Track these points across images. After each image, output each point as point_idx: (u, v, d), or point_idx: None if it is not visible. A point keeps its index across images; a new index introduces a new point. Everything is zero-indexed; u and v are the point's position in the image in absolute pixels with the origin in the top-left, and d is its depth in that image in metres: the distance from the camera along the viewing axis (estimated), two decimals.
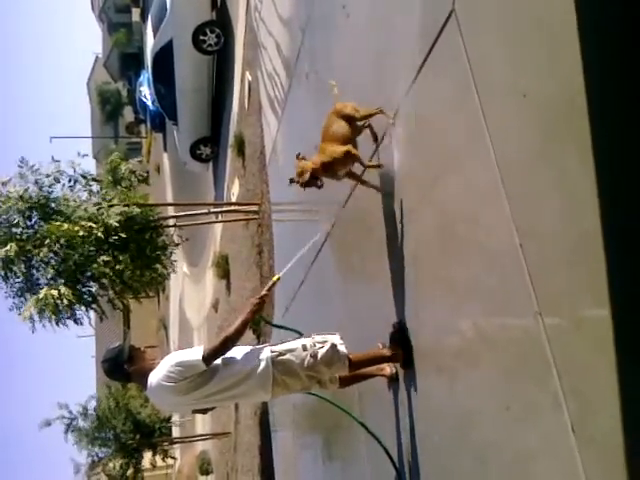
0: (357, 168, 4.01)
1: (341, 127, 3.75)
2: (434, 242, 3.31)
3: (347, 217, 4.77)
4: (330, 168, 3.74)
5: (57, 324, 6.81)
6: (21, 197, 6.78)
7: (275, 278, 3.75)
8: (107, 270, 6.78)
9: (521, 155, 2.44)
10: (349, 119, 3.76)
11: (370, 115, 3.83)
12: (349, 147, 3.72)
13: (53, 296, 6.47)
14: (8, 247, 6.49)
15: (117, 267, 6.86)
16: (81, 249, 6.54)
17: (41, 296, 6.50)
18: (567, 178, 2.17)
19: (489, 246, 2.73)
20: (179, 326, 21.93)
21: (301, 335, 4.04)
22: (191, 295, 18.81)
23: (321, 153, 3.77)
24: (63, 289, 6.54)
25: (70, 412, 14.79)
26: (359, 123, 3.82)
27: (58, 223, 6.52)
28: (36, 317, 6.64)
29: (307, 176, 3.67)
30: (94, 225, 6.62)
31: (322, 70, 5.34)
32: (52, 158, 7.19)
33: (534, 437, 2.45)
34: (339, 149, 3.70)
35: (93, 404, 15.39)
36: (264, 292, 3.59)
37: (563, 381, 2.21)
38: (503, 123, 2.55)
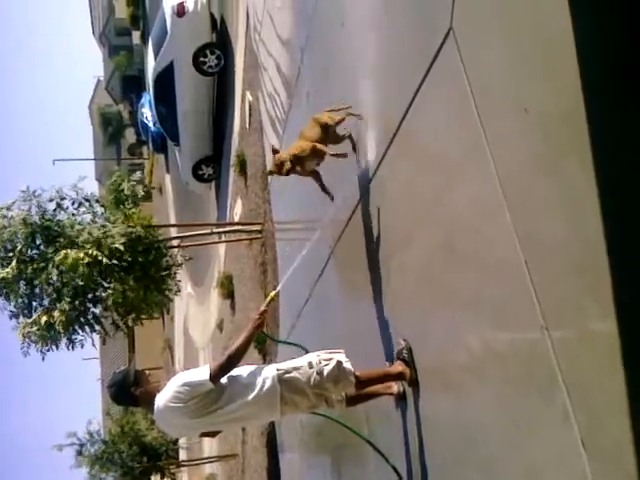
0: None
1: (315, 132, 4.19)
2: (437, 258, 3.31)
3: (349, 236, 4.78)
4: (300, 161, 4.15)
5: (47, 349, 6.85)
6: (24, 221, 6.80)
7: (272, 294, 3.86)
8: (114, 295, 6.79)
9: (523, 169, 2.45)
10: (325, 127, 4.19)
11: (342, 119, 4.26)
12: (316, 143, 4.14)
13: (42, 322, 6.50)
14: (8, 269, 6.52)
15: (126, 289, 6.88)
16: (85, 273, 6.54)
17: (30, 321, 6.55)
18: (569, 189, 2.17)
19: (492, 260, 2.73)
20: (184, 347, 21.86)
21: (306, 351, 4.06)
22: (196, 315, 18.78)
23: (292, 147, 4.21)
24: (57, 314, 6.55)
25: (79, 439, 14.71)
26: (335, 130, 4.24)
27: (64, 253, 6.50)
28: (26, 341, 6.68)
29: (288, 165, 4.07)
30: (99, 253, 6.62)
31: (322, 89, 5.39)
32: (54, 191, 7.24)
33: (543, 452, 2.43)
34: (307, 144, 4.13)
35: (96, 428, 15.28)
36: (263, 308, 3.61)
37: (571, 395, 2.20)
38: (504, 138, 2.56)
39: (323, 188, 4.41)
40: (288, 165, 4.06)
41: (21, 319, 6.94)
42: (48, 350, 6.91)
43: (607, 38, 2.00)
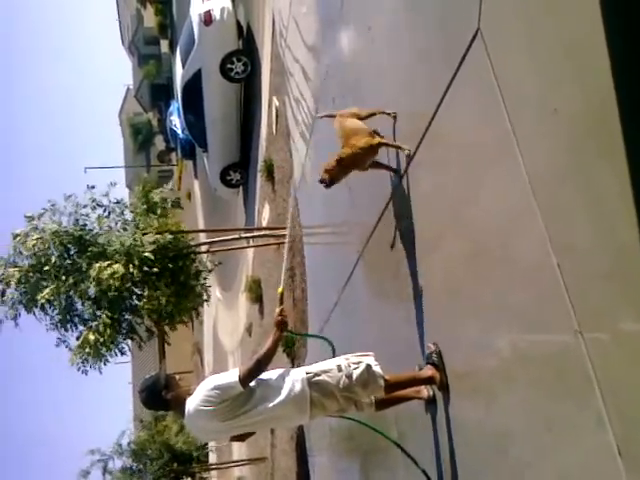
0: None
1: (353, 122, 3.97)
2: (467, 261, 3.28)
3: (378, 239, 4.76)
4: (357, 161, 3.89)
5: (104, 363, 7.03)
6: (56, 233, 6.92)
7: (280, 290, 3.86)
8: (148, 301, 6.91)
9: (554, 170, 2.42)
10: (355, 117, 4.02)
11: (372, 114, 4.10)
12: (374, 140, 3.86)
13: (92, 341, 6.64)
14: (48, 290, 6.66)
15: (159, 296, 6.99)
16: (118, 286, 6.64)
17: (80, 342, 6.69)
18: (602, 192, 2.14)
19: (524, 263, 2.70)
20: (213, 351, 22.05)
21: (332, 345, 4.07)
22: (225, 320, 18.91)
23: (347, 147, 3.87)
24: (102, 328, 6.68)
25: (103, 454, 14.78)
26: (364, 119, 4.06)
27: (98, 267, 6.62)
28: (81, 363, 6.86)
29: (333, 164, 3.79)
30: (131, 265, 6.73)
31: (348, 93, 5.39)
32: (87, 186, 7.40)
33: (577, 459, 2.38)
34: (369, 141, 3.84)
35: (126, 439, 15.41)
36: (278, 308, 3.63)
37: (607, 400, 2.15)
38: (534, 139, 2.53)
39: (387, 167, 4.17)
40: (333, 164, 3.81)
41: (58, 331, 7.10)
42: (105, 364, 7.07)
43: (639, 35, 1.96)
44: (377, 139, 3.92)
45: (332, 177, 3.85)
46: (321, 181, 3.88)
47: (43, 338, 7.31)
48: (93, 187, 7.41)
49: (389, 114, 4.08)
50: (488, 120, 2.87)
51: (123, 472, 14.63)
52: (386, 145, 4.01)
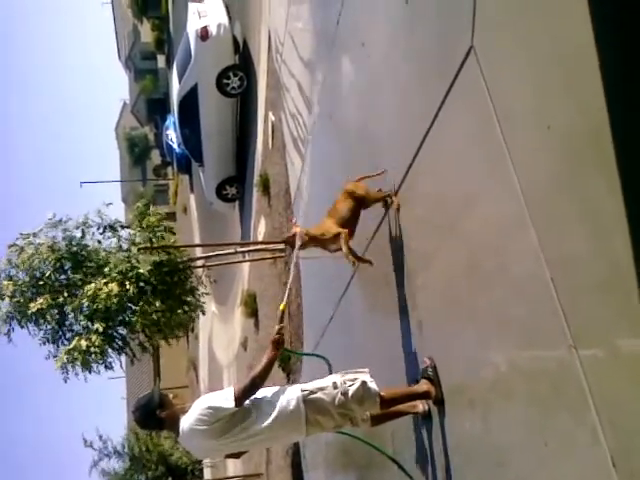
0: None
1: (346, 208, 4.17)
2: (461, 275, 3.29)
3: (372, 254, 4.77)
4: (320, 242, 4.18)
5: (89, 372, 6.94)
6: (51, 248, 6.91)
7: (282, 307, 3.75)
8: (141, 319, 6.87)
9: (547, 186, 2.44)
10: (358, 200, 4.18)
11: (378, 199, 4.25)
12: (342, 231, 4.09)
13: (83, 347, 6.58)
14: (41, 300, 6.62)
15: (151, 312, 6.95)
16: (115, 303, 6.62)
17: (71, 347, 6.64)
18: (595, 207, 2.16)
19: (518, 278, 2.71)
20: (209, 365, 21.91)
21: (328, 363, 4.04)
22: (220, 334, 18.83)
23: (319, 226, 4.21)
24: (94, 337, 6.63)
25: (105, 447, 14.69)
26: (369, 197, 4.23)
27: (93, 286, 6.60)
28: (68, 367, 6.77)
29: (299, 244, 4.08)
30: (128, 282, 6.71)
31: (344, 108, 5.42)
32: (78, 216, 7.39)
33: (573, 472, 2.38)
34: (333, 230, 4.11)
35: (127, 444, 15.32)
36: (278, 326, 3.55)
37: (601, 414, 2.16)
38: (528, 156, 2.55)
39: (361, 260, 4.34)
40: (299, 244, 4.06)
41: (50, 345, 7.04)
42: (90, 372, 6.99)
43: (630, 52, 1.99)
44: (344, 237, 4.08)
45: (303, 244, 4.12)
46: (292, 245, 4.14)
47: (34, 353, 7.26)
48: (89, 226, 7.40)
49: (394, 200, 4.15)
50: (482, 137, 2.89)
51: (117, 476, 14.49)
52: (347, 246, 4.13)
